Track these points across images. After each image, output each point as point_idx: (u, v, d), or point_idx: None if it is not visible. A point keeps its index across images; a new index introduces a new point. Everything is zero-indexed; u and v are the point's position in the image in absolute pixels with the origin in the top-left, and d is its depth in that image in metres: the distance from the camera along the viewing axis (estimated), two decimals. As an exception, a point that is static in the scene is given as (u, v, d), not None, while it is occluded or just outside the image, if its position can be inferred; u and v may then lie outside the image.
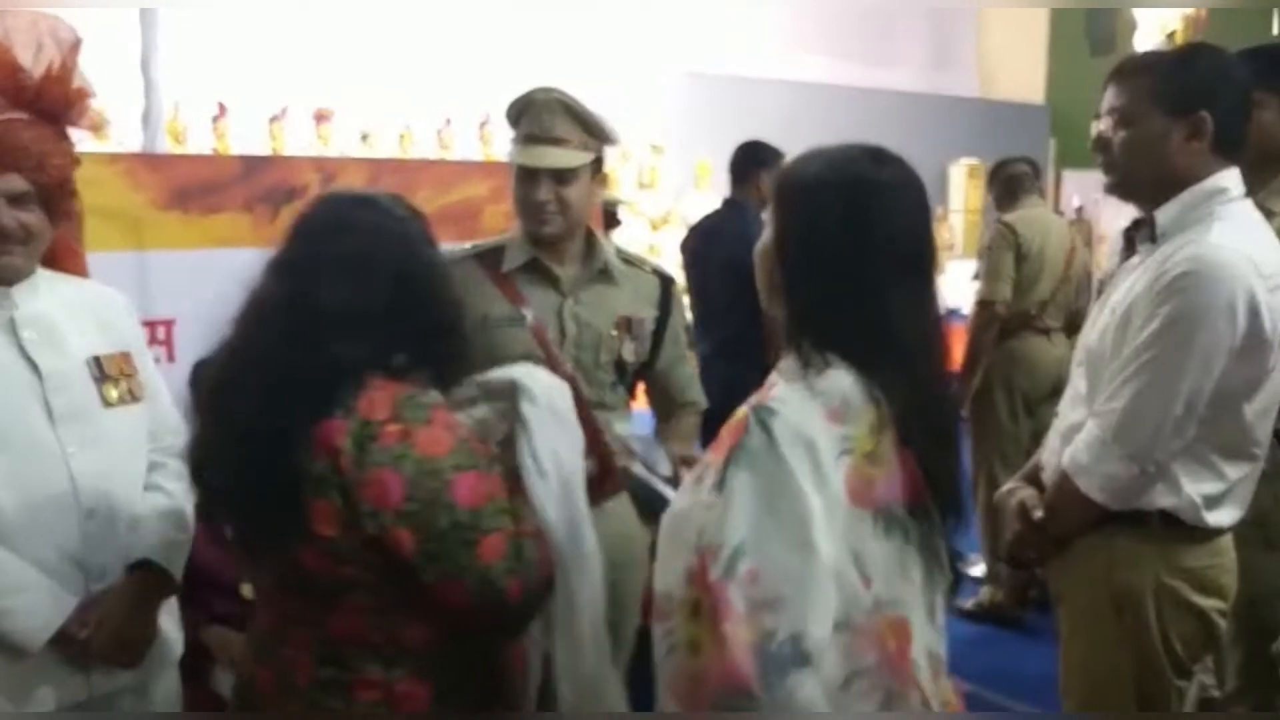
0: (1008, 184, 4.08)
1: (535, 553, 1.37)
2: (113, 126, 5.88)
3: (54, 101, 1.66)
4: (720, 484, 1.17)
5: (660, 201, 9.57)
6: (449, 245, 2.13)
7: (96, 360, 1.68)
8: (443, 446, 1.32)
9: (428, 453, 1.31)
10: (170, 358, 2.68)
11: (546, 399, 1.45)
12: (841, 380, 1.22)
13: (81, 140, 1.74)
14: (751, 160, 3.85)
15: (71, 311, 1.69)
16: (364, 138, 7.99)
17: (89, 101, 1.73)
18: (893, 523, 1.23)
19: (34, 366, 1.61)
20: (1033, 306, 3.86)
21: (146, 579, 1.69)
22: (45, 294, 1.67)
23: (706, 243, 3.85)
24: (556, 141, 1.99)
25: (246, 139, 6.95)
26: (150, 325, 2.67)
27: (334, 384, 1.32)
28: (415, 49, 8.50)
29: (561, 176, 2.00)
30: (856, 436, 1.20)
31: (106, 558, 1.65)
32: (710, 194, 7.44)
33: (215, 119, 7.38)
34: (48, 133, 1.64)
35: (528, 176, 2.00)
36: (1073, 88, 9.09)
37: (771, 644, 1.11)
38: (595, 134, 2.04)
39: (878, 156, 1.29)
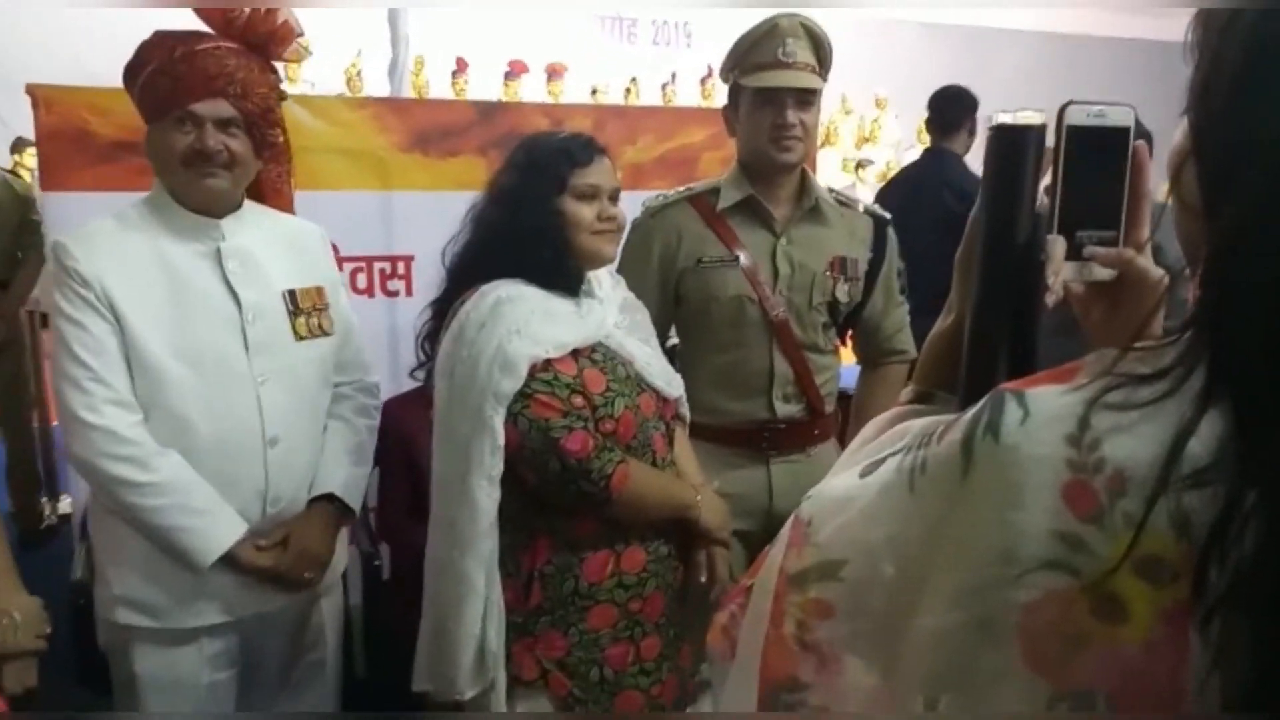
0: None
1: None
2: (363, 77, 6.31)
3: (259, 33, 1.72)
4: (878, 468, 0.68)
5: (881, 155, 9.35)
6: (667, 190, 2.19)
7: (291, 294, 1.76)
8: None
9: None
10: (409, 291, 2.87)
11: None
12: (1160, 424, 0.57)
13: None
14: (959, 105, 3.70)
15: (271, 244, 1.76)
16: (593, 92, 8.23)
17: (295, 36, 1.79)
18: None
19: (235, 297, 1.68)
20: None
21: (330, 510, 1.79)
22: (250, 227, 1.75)
23: (912, 193, 3.68)
24: (800, 66, 1.96)
25: (483, 91, 7.29)
26: (392, 260, 2.88)
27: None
28: (643, 4, 8.61)
29: (804, 101, 1.98)
30: (1095, 548, 0.57)
31: (284, 484, 1.72)
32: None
33: (455, 74, 7.78)
34: (253, 62, 1.70)
35: (770, 101, 1.97)
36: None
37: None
38: (825, 62, 2.01)
39: None
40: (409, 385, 2.22)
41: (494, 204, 1.66)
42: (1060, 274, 0.73)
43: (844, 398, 2.28)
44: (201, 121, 1.64)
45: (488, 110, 3.00)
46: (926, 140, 8.47)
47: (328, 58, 7.15)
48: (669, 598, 1.67)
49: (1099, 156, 0.72)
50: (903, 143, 9.34)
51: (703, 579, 1.70)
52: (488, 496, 1.53)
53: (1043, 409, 0.59)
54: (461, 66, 7.72)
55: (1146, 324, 0.75)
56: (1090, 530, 0.56)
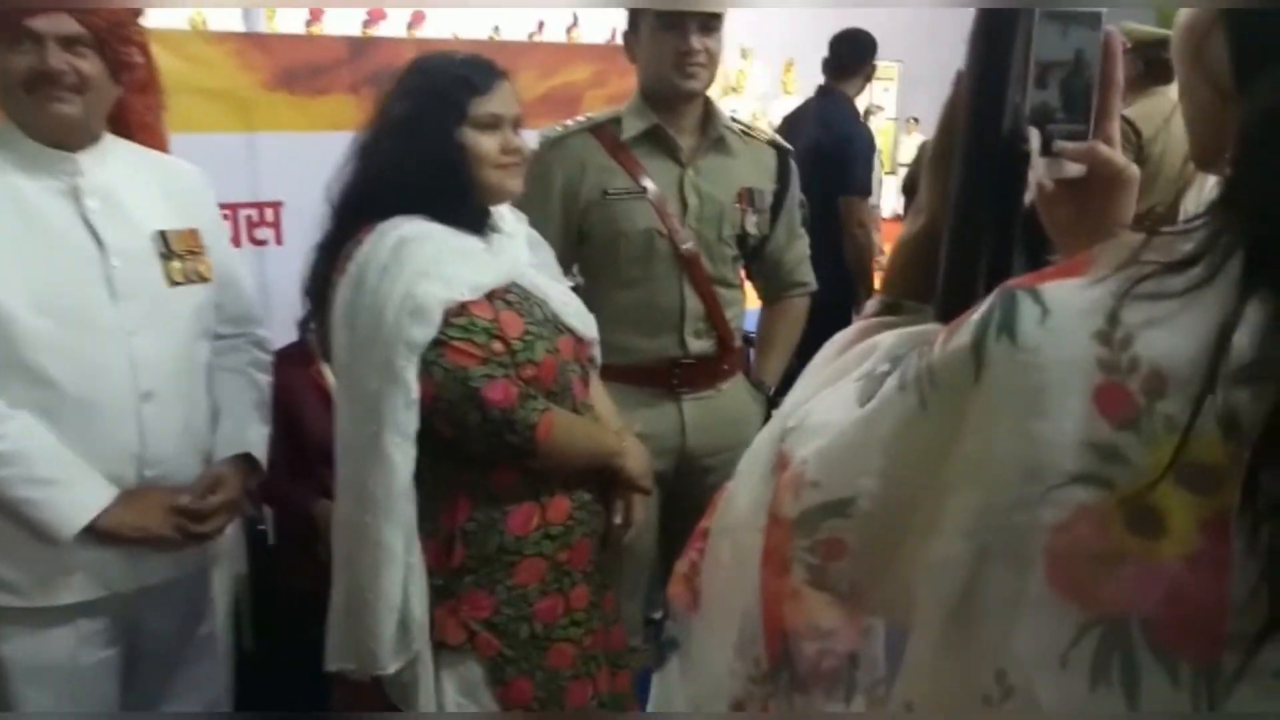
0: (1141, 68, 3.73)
1: None
2: (208, 22, 5.93)
3: None
4: (875, 392, 0.62)
5: (746, 106, 9.40)
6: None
7: (163, 235, 1.59)
8: None
9: None
10: (279, 240, 2.67)
11: None
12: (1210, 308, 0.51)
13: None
14: (856, 48, 3.69)
15: (140, 182, 1.60)
16: (453, 38, 8.01)
17: None
18: (1116, 650, 0.52)
19: (97, 238, 1.51)
20: (1143, 211, 3.63)
21: (244, 468, 1.67)
22: (113, 162, 1.58)
23: (792, 129, 3.61)
24: None
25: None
26: (259, 207, 2.68)
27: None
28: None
29: (709, 25, 1.91)
30: (1131, 457, 0.51)
31: (161, 445, 1.56)
32: (797, 98, 7.25)
33: (309, 22, 7.42)
34: None
35: (671, 25, 1.89)
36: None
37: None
38: None
39: None
40: (282, 340, 2.08)
41: (386, 135, 1.51)
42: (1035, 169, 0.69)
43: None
44: (42, 39, 1.44)
45: (359, 46, 2.81)
46: (793, 90, 8.50)
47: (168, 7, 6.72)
48: (595, 545, 1.60)
49: (1069, 44, 0.68)
50: (768, 94, 9.40)
51: (618, 520, 1.63)
52: (403, 455, 1.41)
53: (1064, 305, 0.53)
54: (316, 15, 7.35)
55: (1117, 221, 0.71)
56: (1126, 437, 0.51)
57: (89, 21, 1.47)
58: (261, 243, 2.68)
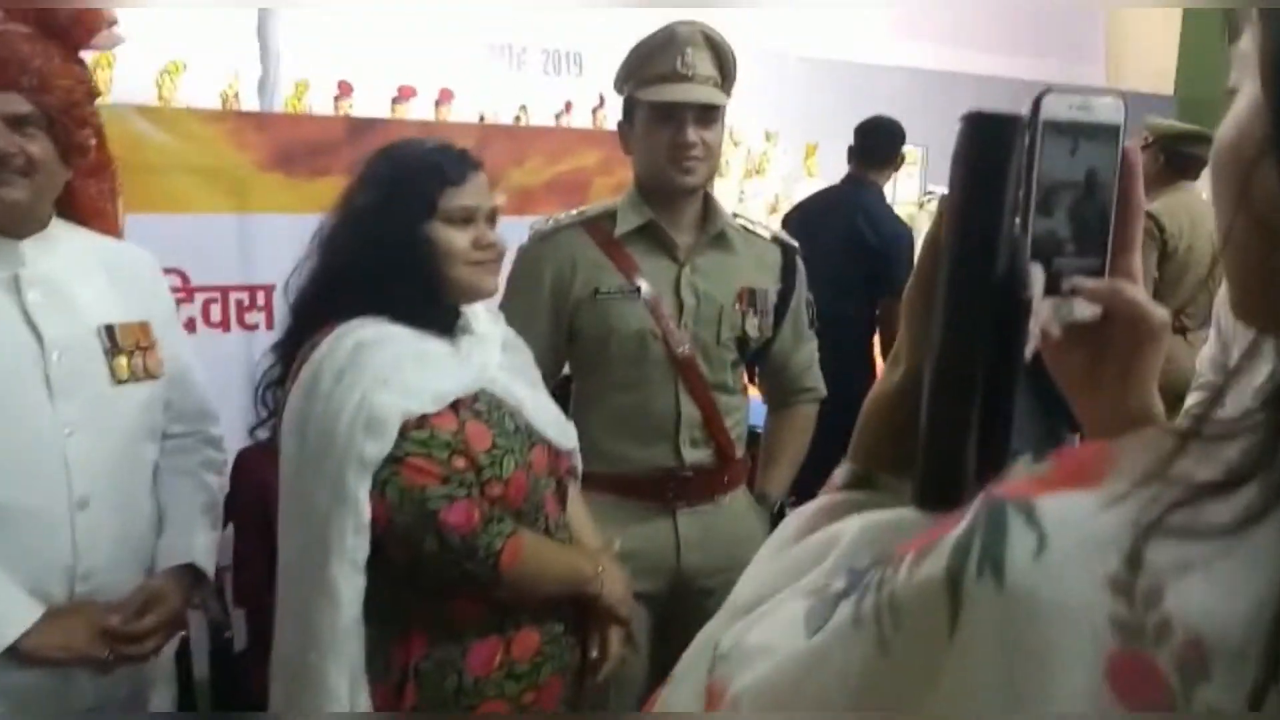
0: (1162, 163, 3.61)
1: None
2: (240, 99, 5.96)
3: (58, 16, 1.46)
4: (827, 618, 0.47)
5: (769, 188, 9.37)
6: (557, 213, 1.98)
7: (109, 329, 1.50)
8: None
9: None
10: (270, 324, 2.58)
11: None
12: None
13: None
14: (891, 138, 3.59)
15: (85, 271, 1.51)
16: (480, 119, 8.00)
17: (104, 23, 1.52)
18: None
19: (36, 333, 1.42)
20: (1170, 307, 3.49)
21: (187, 579, 1.56)
22: (59, 251, 1.49)
23: (820, 216, 3.50)
24: (701, 79, 1.78)
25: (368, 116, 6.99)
26: (250, 290, 2.60)
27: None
28: (534, 32, 8.47)
29: (707, 117, 1.79)
30: None
31: (97, 556, 1.44)
32: (819, 180, 7.19)
33: (337, 98, 7.46)
34: (53, 49, 1.44)
35: (667, 117, 1.78)
36: (1203, 79, 8.49)
37: None
38: (728, 76, 1.84)
39: None
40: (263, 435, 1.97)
41: (348, 227, 1.40)
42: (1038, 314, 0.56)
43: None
44: None
45: (361, 127, 2.75)
46: (816, 173, 8.49)
47: (202, 78, 6.77)
48: (567, 682, 1.44)
49: (1082, 161, 0.56)
50: (790, 175, 9.40)
51: (594, 654, 1.48)
52: (351, 587, 1.27)
53: (1069, 533, 0.39)
54: (345, 90, 7.39)
55: (1142, 377, 0.60)
56: None
57: (41, 101, 1.40)
58: (252, 327, 2.61)
